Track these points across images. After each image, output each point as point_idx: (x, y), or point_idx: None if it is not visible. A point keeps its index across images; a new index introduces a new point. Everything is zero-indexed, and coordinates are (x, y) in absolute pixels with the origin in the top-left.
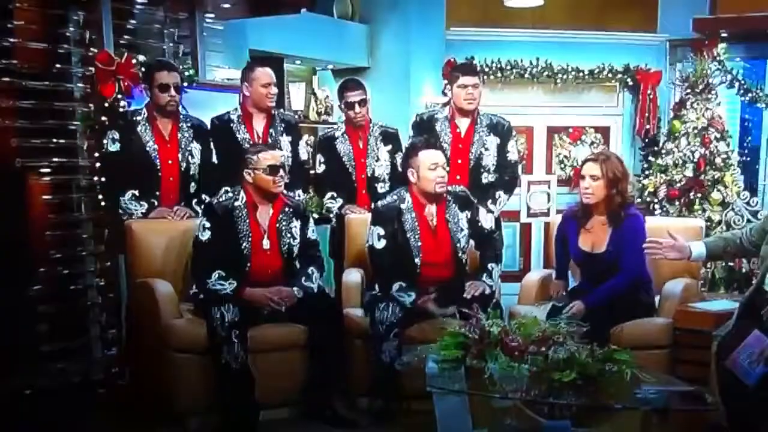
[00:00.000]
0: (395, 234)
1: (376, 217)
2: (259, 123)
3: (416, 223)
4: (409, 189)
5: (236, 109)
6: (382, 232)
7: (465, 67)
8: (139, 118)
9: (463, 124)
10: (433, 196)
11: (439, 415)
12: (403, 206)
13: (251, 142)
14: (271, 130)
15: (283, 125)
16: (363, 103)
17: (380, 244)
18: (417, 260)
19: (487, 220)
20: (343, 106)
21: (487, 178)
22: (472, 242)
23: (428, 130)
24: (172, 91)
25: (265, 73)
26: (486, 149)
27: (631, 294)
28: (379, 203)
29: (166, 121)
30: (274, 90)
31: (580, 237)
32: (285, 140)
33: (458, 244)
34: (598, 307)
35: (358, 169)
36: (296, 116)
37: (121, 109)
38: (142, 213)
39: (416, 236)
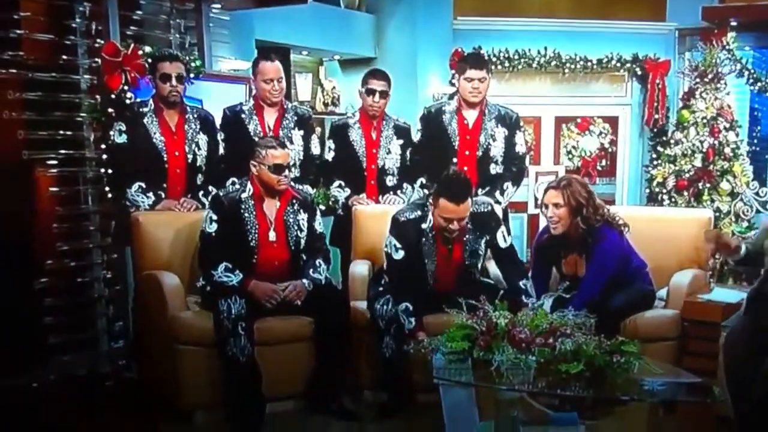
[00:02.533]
0: (412, 250)
1: (396, 229)
2: (270, 116)
3: (434, 247)
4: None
5: (249, 100)
6: (399, 244)
7: (473, 59)
8: (145, 109)
9: (471, 115)
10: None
11: (446, 408)
12: (423, 226)
13: (263, 135)
14: (283, 123)
15: (295, 119)
16: (384, 94)
17: (398, 255)
18: (429, 278)
19: (505, 240)
20: (363, 91)
21: (495, 169)
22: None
23: (436, 122)
24: (174, 81)
25: (268, 68)
26: (494, 140)
27: (628, 284)
28: (401, 215)
29: (172, 113)
30: (278, 86)
31: (562, 264)
32: (297, 134)
33: (473, 267)
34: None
35: (369, 159)
36: (310, 110)
37: (127, 101)
38: (149, 205)
39: (432, 258)
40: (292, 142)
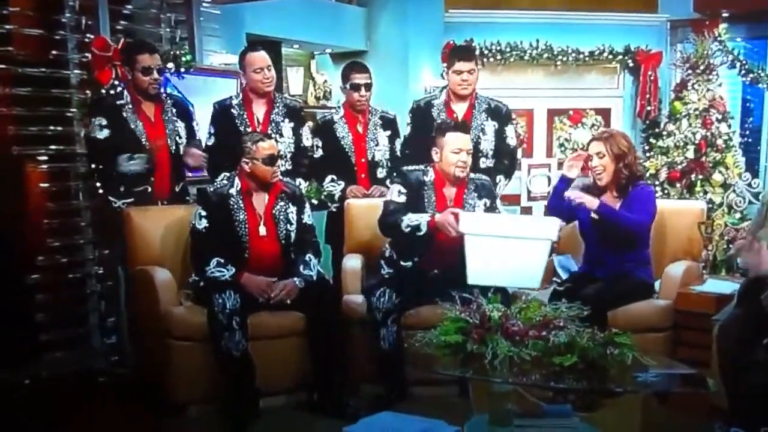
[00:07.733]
0: (414, 200)
1: (401, 177)
2: (259, 108)
3: (434, 201)
4: (433, 165)
5: (238, 94)
6: (404, 189)
7: (461, 51)
8: (121, 102)
9: (461, 108)
10: (454, 179)
11: None
12: (425, 178)
13: (248, 131)
14: (272, 116)
15: (285, 110)
16: (368, 87)
17: (400, 199)
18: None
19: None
20: (347, 87)
21: (485, 163)
22: None
23: (426, 116)
24: (155, 74)
25: (256, 58)
26: (484, 134)
27: (631, 273)
28: (406, 168)
29: (149, 104)
30: (269, 73)
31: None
32: (287, 126)
33: None
34: (607, 221)
35: (358, 153)
36: (299, 101)
37: (102, 92)
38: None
39: (432, 210)
40: (282, 135)
